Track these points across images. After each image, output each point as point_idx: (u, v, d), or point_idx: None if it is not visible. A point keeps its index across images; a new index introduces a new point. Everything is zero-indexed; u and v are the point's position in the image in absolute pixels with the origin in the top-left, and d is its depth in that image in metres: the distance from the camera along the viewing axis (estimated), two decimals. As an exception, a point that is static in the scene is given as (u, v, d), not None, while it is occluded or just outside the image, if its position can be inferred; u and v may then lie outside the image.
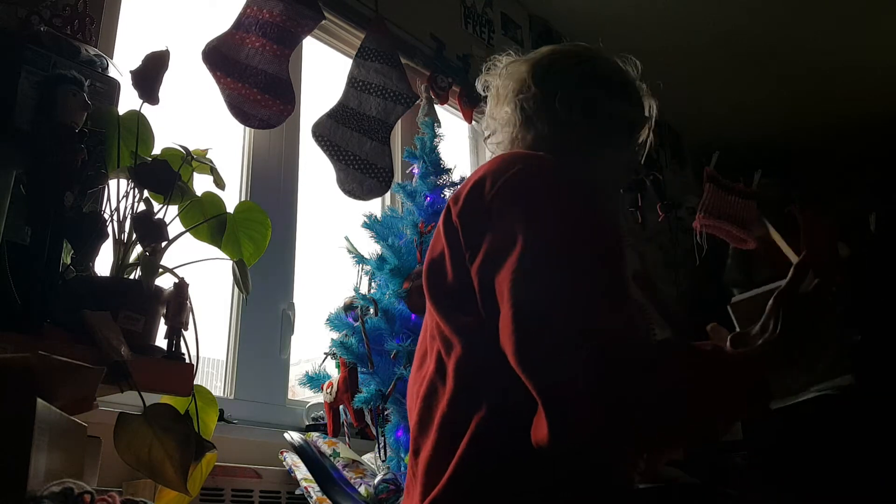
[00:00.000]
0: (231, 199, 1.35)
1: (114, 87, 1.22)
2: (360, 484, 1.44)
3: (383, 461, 1.51)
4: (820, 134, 3.71)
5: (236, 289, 1.48)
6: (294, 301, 1.88)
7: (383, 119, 1.95)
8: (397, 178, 2.03)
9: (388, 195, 2.03)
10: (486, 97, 1.17)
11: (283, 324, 1.84)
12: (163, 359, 1.10)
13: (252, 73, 1.73)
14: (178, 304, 1.13)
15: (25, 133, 1.05)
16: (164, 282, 1.15)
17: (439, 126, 1.89)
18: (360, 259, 1.71)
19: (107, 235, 1.13)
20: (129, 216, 1.14)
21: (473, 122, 2.42)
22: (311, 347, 1.91)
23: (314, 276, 2.02)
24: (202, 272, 1.23)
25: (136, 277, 1.12)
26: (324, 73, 2.20)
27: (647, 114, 1.13)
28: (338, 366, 1.63)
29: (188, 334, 1.14)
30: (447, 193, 1.72)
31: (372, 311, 1.60)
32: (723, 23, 3.00)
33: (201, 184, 1.32)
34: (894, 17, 2.97)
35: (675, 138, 3.74)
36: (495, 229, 0.85)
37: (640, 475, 1.11)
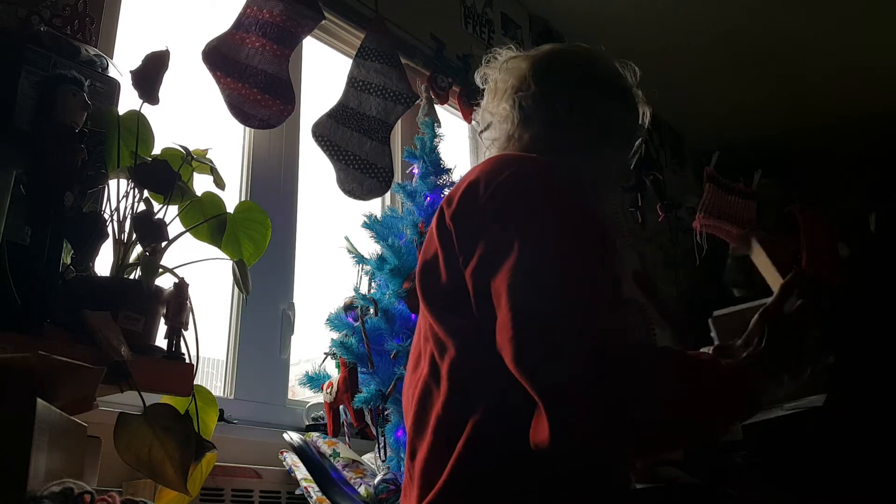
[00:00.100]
0: (231, 199, 1.35)
1: (114, 87, 1.22)
2: (360, 484, 1.44)
3: (383, 461, 1.50)
4: (820, 134, 3.71)
5: (236, 289, 1.48)
6: (294, 301, 1.88)
7: (383, 119, 1.95)
8: (397, 178, 2.03)
9: (388, 195, 2.03)
10: (483, 90, 1.16)
11: (283, 324, 1.84)
12: (163, 359, 1.10)
13: (252, 73, 1.73)
14: (178, 304, 1.13)
15: (25, 133, 1.05)
16: (164, 282, 1.15)
17: (439, 126, 1.89)
18: (360, 259, 1.71)
19: (107, 235, 1.13)
20: (129, 216, 1.14)
21: (473, 122, 2.42)
22: (311, 347, 1.91)
23: (314, 276, 2.02)
24: (202, 272, 1.23)
25: (136, 277, 1.12)
26: (324, 73, 2.20)
27: (640, 121, 1.13)
28: (338, 366, 1.63)
29: (188, 334, 1.14)
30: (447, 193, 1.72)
31: (372, 311, 1.60)
32: (723, 23, 3.00)
33: (201, 184, 1.32)
34: (894, 17, 2.97)
35: (675, 138, 3.74)
36: (490, 232, 0.85)
37: (635, 475, 1.11)
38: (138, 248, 1.14)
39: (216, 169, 1.32)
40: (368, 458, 1.59)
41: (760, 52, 3.19)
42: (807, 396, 0.97)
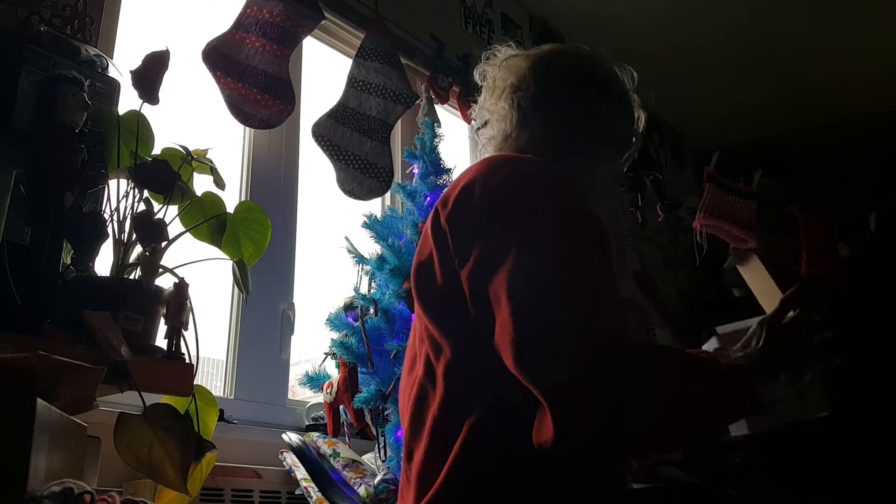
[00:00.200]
0: (231, 199, 1.35)
1: (114, 87, 1.22)
2: (360, 484, 1.44)
3: (383, 461, 1.50)
4: (820, 134, 3.71)
5: (236, 289, 1.48)
6: (294, 301, 1.88)
7: (383, 119, 1.95)
8: (397, 178, 2.03)
9: (388, 195, 2.03)
10: (481, 87, 1.16)
11: (283, 324, 1.84)
12: (163, 359, 1.10)
13: (252, 73, 1.73)
14: (178, 304, 1.13)
15: (25, 133, 1.05)
16: (164, 282, 1.15)
17: (439, 126, 1.89)
18: (360, 259, 1.71)
19: (107, 235, 1.13)
20: (129, 216, 1.14)
21: (473, 122, 2.42)
22: (311, 347, 1.91)
23: (314, 276, 2.02)
24: (202, 272, 1.23)
25: (136, 277, 1.12)
26: (324, 73, 2.20)
27: (635, 126, 1.13)
28: (338, 366, 1.63)
29: (188, 334, 1.14)
30: (447, 193, 1.72)
31: (372, 311, 1.60)
32: (723, 23, 3.00)
33: (201, 184, 1.32)
34: (894, 17, 2.97)
35: (675, 138, 3.74)
36: (487, 234, 0.84)
37: (633, 475, 1.12)
38: (138, 248, 1.14)
39: (216, 169, 1.32)
40: (368, 459, 1.59)
41: (760, 52, 3.19)
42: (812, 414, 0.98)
